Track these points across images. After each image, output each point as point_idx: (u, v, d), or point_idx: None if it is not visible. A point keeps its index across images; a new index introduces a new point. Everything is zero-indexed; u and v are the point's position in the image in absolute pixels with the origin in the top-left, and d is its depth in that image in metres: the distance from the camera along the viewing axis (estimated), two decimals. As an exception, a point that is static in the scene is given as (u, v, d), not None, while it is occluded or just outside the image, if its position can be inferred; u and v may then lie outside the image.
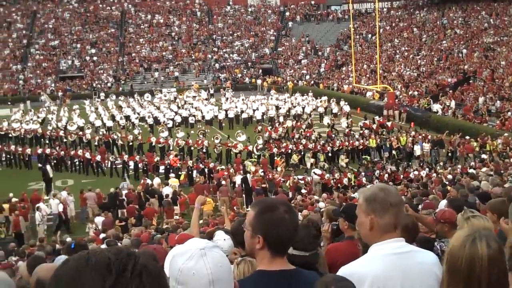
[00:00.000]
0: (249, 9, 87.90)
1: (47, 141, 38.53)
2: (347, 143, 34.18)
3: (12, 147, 35.77)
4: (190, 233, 7.13)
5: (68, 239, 17.16)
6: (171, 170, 30.32)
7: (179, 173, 30.35)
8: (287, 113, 46.09)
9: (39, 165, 31.80)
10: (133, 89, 67.29)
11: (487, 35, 53.73)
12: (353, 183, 27.76)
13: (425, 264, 3.13)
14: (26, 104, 57.74)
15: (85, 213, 25.42)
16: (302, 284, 2.90)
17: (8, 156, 35.53)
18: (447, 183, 19.83)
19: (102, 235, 18.11)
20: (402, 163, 31.68)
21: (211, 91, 61.45)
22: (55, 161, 33.29)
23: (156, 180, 28.20)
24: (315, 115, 45.96)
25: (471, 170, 23.36)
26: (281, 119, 43.34)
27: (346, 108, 45.82)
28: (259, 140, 35.14)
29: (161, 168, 31.37)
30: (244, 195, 26.42)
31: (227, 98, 52.90)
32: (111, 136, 37.80)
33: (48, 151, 34.21)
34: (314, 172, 29.17)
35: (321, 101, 49.30)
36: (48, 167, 30.04)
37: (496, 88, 41.19)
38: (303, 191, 25.48)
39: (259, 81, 69.51)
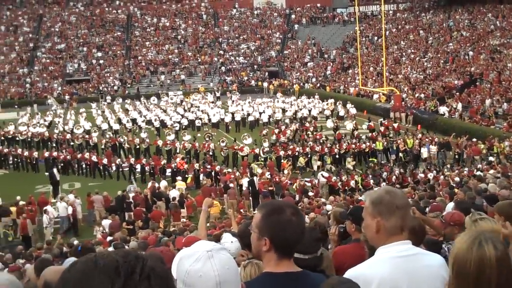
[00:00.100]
0: (255, 12, 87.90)
1: (54, 145, 38.58)
2: (353, 146, 34.13)
3: (19, 151, 35.86)
4: (198, 235, 7.14)
5: (76, 242, 17.17)
6: (177, 173, 30.34)
7: (186, 176, 30.36)
8: (294, 116, 46.06)
9: (46, 173, 31.88)
10: (140, 92, 67.40)
11: (494, 37, 53.55)
12: (360, 186, 27.72)
13: (432, 267, 3.13)
14: (33, 107, 57.90)
15: (92, 216, 25.48)
16: (309, 286, 2.90)
17: (15, 159, 35.63)
18: (454, 185, 19.78)
19: (109, 238, 18.13)
20: (409, 165, 31.61)
21: (217, 94, 61.47)
22: (62, 165, 33.41)
23: (163, 183, 28.23)
24: (321, 118, 45.91)
25: (478, 173, 23.28)
26: (288, 121, 43.36)
27: (353, 111, 45.77)
28: (265, 143, 35.17)
29: (168, 171, 31.39)
30: (251, 198, 26.41)
31: (233, 101, 52.91)
32: (118, 139, 37.85)
33: (55, 154, 34.30)
34: (321, 175, 29.12)
35: (327, 104, 49.26)
36: (55, 170, 30.12)
37: (503, 90, 41.04)
38: (310, 193, 25.44)
39: (265, 84, 69.51)
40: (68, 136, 40.00)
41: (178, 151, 35.14)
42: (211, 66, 75.88)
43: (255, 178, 27.23)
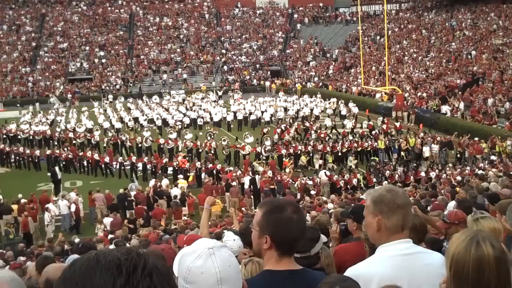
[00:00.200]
0: (258, 11, 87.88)
1: (55, 143, 38.59)
2: (355, 144, 34.13)
3: (21, 149, 35.89)
4: (200, 233, 7.15)
5: (77, 240, 17.20)
6: (179, 171, 30.36)
7: (188, 174, 30.39)
8: (296, 115, 46.07)
9: (50, 168, 31.93)
10: (142, 91, 67.43)
11: (496, 36, 53.46)
12: (362, 184, 27.74)
13: (433, 266, 3.13)
14: (35, 106, 57.93)
15: (93, 214, 25.50)
16: (309, 284, 2.90)
17: (17, 157, 35.67)
18: (456, 184, 19.77)
19: (110, 236, 18.15)
20: (411, 164, 31.60)
21: (219, 93, 61.48)
22: (63, 163, 33.45)
23: (165, 181, 28.25)
24: (323, 117, 45.91)
25: (479, 171, 23.26)
26: (290, 120, 43.36)
27: (355, 110, 45.78)
28: (267, 142, 35.19)
29: (170, 170, 31.40)
30: (252, 196, 26.44)
31: (235, 100, 52.92)
32: (120, 138, 37.86)
33: (57, 152, 34.33)
34: (325, 173, 29.14)
35: (329, 103, 49.25)
36: (56, 168, 30.17)
37: (505, 90, 40.99)
38: (312, 192, 25.45)
39: (267, 83, 69.51)
40: (71, 134, 40.01)
41: (180, 149, 35.17)
42: (213, 65, 75.90)
43: (257, 176, 27.28)
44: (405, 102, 46.33)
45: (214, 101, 54.19)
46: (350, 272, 3.15)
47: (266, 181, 27.05)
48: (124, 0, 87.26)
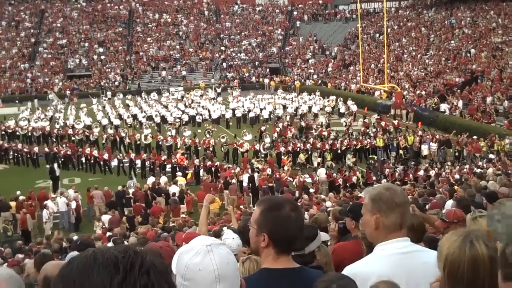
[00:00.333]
0: (257, 9, 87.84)
1: (54, 140, 38.56)
2: (354, 142, 34.15)
3: (20, 146, 35.86)
4: (198, 231, 7.15)
5: (75, 238, 17.21)
6: (177, 169, 30.36)
7: (186, 171, 30.38)
8: (294, 112, 46.08)
9: (47, 165, 31.92)
10: (141, 88, 67.36)
11: (496, 35, 53.47)
12: (361, 182, 27.75)
13: (430, 264, 3.12)
14: (33, 102, 57.89)
15: (91, 212, 25.49)
16: (307, 282, 2.89)
17: (15, 154, 35.63)
18: (454, 182, 19.79)
19: (108, 234, 18.16)
20: (409, 162, 31.61)
21: (218, 90, 61.48)
22: (62, 160, 33.42)
23: (163, 179, 28.25)
24: (322, 115, 45.95)
25: (478, 170, 23.28)
26: (287, 118, 43.42)
27: (354, 108, 45.81)
28: (267, 139, 35.21)
29: (168, 167, 31.39)
30: (250, 194, 26.45)
31: (233, 97, 52.93)
32: (119, 133, 37.84)
33: (55, 149, 34.30)
34: (326, 170, 29.23)
35: (328, 101, 49.26)
36: (55, 165, 30.14)
37: (504, 88, 41.01)
38: (311, 190, 25.45)
39: (266, 80, 69.49)
40: (70, 131, 39.99)
41: (178, 146, 35.18)
42: (212, 62, 75.87)
43: (256, 174, 27.27)
44: (403, 100, 46.34)
45: (213, 98, 54.20)
46: (348, 270, 3.15)
47: (264, 178, 27.05)
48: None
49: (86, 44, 77.07)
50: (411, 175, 27.67)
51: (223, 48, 78.92)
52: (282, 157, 32.55)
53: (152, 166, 31.51)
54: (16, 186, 27.36)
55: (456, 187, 15.42)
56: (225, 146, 34.02)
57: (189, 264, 2.22)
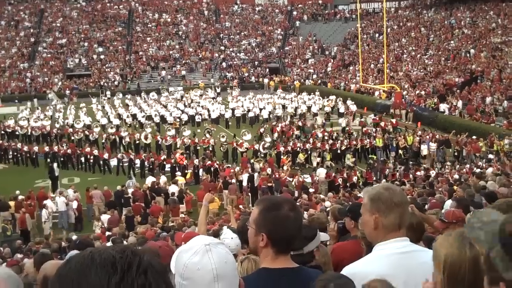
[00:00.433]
0: (257, 8, 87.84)
1: (54, 139, 38.53)
2: (354, 142, 34.17)
3: (19, 145, 35.85)
4: (197, 231, 7.14)
5: (74, 237, 17.21)
6: (177, 168, 30.35)
7: (186, 171, 30.37)
8: (294, 112, 46.10)
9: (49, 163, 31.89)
10: (140, 87, 67.35)
11: (495, 35, 53.52)
12: (360, 182, 27.75)
13: (429, 264, 3.10)
14: (33, 102, 57.90)
15: (91, 211, 25.48)
16: (305, 282, 2.89)
17: (15, 153, 35.61)
18: (453, 182, 19.79)
19: (108, 233, 18.16)
20: (409, 162, 31.62)
21: (218, 90, 61.48)
22: (61, 159, 33.39)
23: (163, 178, 28.24)
24: (320, 114, 46.04)
25: (477, 170, 23.29)
26: (288, 118, 43.46)
27: (353, 108, 45.83)
28: (267, 138, 35.26)
29: (167, 166, 31.39)
30: (249, 194, 26.44)
31: (233, 97, 52.94)
32: (119, 133, 37.83)
33: (55, 149, 34.28)
34: (327, 166, 29.24)
35: (328, 100, 49.27)
36: (55, 165, 30.11)
37: (503, 88, 41.05)
38: (310, 190, 25.44)
39: (265, 80, 69.48)
40: (70, 130, 39.99)
41: (178, 146, 35.18)
42: (212, 62, 75.86)
43: (256, 174, 27.24)
44: (403, 100, 46.35)
45: (213, 98, 54.19)
46: (347, 270, 3.15)
47: (264, 178, 27.05)
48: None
49: (86, 44, 77.04)
50: (411, 175, 27.66)
51: (222, 48, 78.91)
52: (282, 156, 32.55)
53: (151, 166, 31.49)
54: (15, 185, 27.33)
55: (455, 187, 15.42)
56: (224, 145, 34.01)
57: (188, 263, 2.22)
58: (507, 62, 45.85)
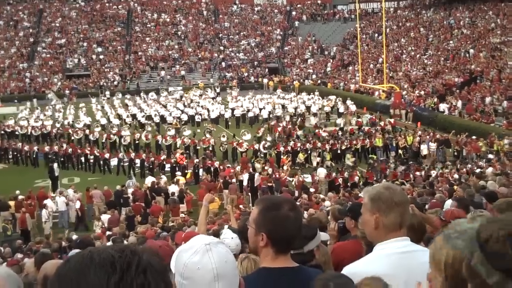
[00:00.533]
0: (256, 9, 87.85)
1: (55, 139, 38.52)
2: (355, 142, 34.18)
3: (19, 145, 35.86)
4: (197, 230, 7.14)
5: (74, 237, 17.21)
6: (177, 168, 30.35)
7: (186, 171, 30.38)
8: (294, 112, 46.10)
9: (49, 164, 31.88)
10: (139, 87, 67.36)
11: (494, 35, 53.55)
12: (361, 182, 27.75)
13: (430, 264, 3.12)
14: (32, 102, 57.94)
15: (91, 211, 25.48)
16: (305, 282, 2.89)
17: (14, 153, 35.62)
18: (453, 182, 19.79)
19: (108, 233, 18.16)
20: (409, 162, 31.60)
21: (217, 90, 61.47)
22: (61, 159, 33.37)
23: (164, 178, 28.26)
24: (320, 114, 46.10)
25: (477, 170, 23.30)
26: (287, 118, 43.47)
27: (353, 108, 45.84)
28: (268, 138, 35.30)
29: (167, 166, 31.38)
30: (250, 193, 26.44)
31: (232, 97, 52.96)
32: (120, 132, 37.82)
33: (55, 148, 34.26)
34: (327, 166, 29.25)
35: (327, 100, 49.28)
36: (55, 165, 30.09)
37: (503, 88, 41.07)
38: (311, 190, 25.44)
39: (265, 80, 69.48)
40: (70, 130, 40.01)
41: (178, 146, 35.19)
42: (211, 62, 75.85)
43: (256, 174, 27.23)
44: (403, 100, 46.37)
45: (212, 98, 54.20)
46: (347, 270, 3.15)
47: (264, 178, 27.06)
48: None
49: (85, 44, 77.02)
50: (411, 175, 27.64)
51: (222, 48, 78.91)
52: (282, 156, 32.55)
53: (151, 166, 31.47)
54: (15, 185, 27.34)
55: (455, 187, 15.42)
56: (224, 145, 34.00)
57: (188, 263, 2.22)
58: (506, 62, 45.87)
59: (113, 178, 30.60)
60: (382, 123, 39.28)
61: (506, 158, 28.67)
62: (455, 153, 32.64)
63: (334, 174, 28.40)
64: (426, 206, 10.11)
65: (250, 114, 45.51)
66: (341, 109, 46.08)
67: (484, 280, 1.64)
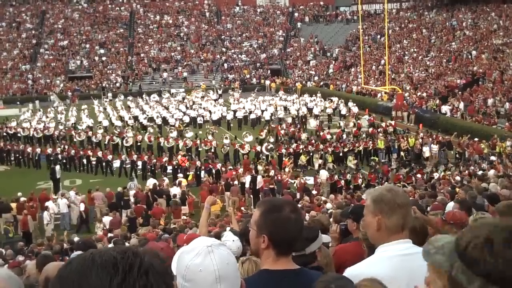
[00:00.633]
0: (258, 10, 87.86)
1: (57, 141, 38.54)
2: (357, 144, 34.17)
3: (21, 147, 35.88)
4: (198, 232, 7.14)
5: (76, 239, 17.22)
6: (179, 170, 30.36)
7: (187, 173, 30.38)
8: (296, 113, 46.08)
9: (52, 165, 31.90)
10: (142, 89, 67.37)
11: (497, 36, 53.50)
12: (363, 184, 27.74)
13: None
14: (34, 103, 57.95)
15: (93, 213, 25.49)
16: (306, 284, 2.89)
17: (16, 155, 35.64)
18: (455, 184, 19.77)
19: (109, 235, 18.17)
20: (411, 164, 31.59)
21: (219, 92, 61.45)
22: (64, 161, 33.37)
23: (167, 181, 28.26)
24: (323, 116, 46.09)
25: (479, 172, 23.28)
26: (289, 120, 43.47)
27: (355, 109, 45.81)
28: (271, 139, 35.30)
29: (169, 168, 31.37)
30: (251, 196, 26.43)
31: (235, 99, 52.97)
32: (123, 134, 37.83)
33: (58, 150, 34.28)
34: (328, 168, 29.24)
35: (330, 102, 49.26)
36: (57, 167, 30.08)
37: (505, 90, 41.02)
38: (314, 192, 25.43)
39: (267, 82, 69.45)
40: (73, 132, 40.04)
41: (180, 148, 35.19)
42: (213, 64, 75.85)
43: (259, 176, 27.21)
44: (405, 101, 46.33)
45: (214, 100, 54.17)
46: (349, 272, 3.15)
47: (266, 180, 27.06)
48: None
49: (87, 46, 77.07)
50: (413, 178, 27.61)
51: (224, 49, 78.92)
52: (284, 158, 32.53)
53: (153, 168, 31.47)
54: (17, 187, 27.36)
55: (457, 189, 15.40)
56: (226, 147, 33.98)
57: (190, 265, 2.22)
58: (508, 64, 45.82)
59: (115, 180, 30.58)
60: (383, 124, 39.25)
61: (508, 160, 28.63)
62: (457, 155, 32.60)
63: (336, 177, 28.38)
64: (428, 208, 10.10)
65: (252, 116, 45.50)
66: (343, 111, 46.05)
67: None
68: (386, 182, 26.21)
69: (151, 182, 27.39)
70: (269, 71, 74.16)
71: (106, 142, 37.19)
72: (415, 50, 61.10)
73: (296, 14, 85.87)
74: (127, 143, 36.59)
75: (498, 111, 38.28)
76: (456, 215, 6.18)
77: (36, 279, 6.08)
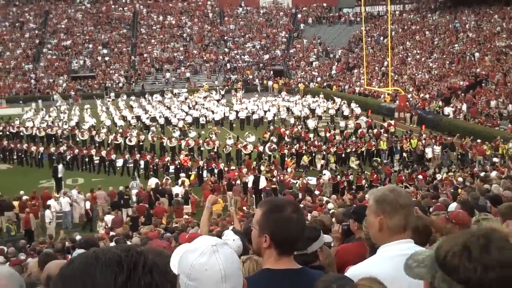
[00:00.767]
0: (261, 11, 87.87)
1: (60, 140, 38.56)
2: (359, 144, 34.16)
3: (25, 146, 35.93)
4: (200, 232, 7.15)
5: (78, 237, 17.23)
6: (181, 170, 30.37)
7: (190, 173, 30.39)
8: (299, 114, 46.06)
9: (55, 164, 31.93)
10: (144, 89, 67.41)
11: (500, 38, 53.43)
12: (366, 184, 27.74)
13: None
14: (37, 103, 58.04)
15: (95, 212, 25.51)
16: (308, 283, 2.90)
17: (19, 154, 35.69)
18: (458, 185, 19.75)
19: (111, 233, 18.18)
20: (414, 166, 31.56)
21: (222, 92, 61.44)
22: (67, 160, 33.39)
23: (169, 180, 28.28)
24: (325, 117, 46.08)
25: (482, 173, 23.26)
26: (292, 120, 43.46)
27: (357, 110, 45.79)
28: (274, 139, 35.30)
29: (171, 168, 31.39)
30: (254, 195, 26.43)
31: (237, 99, 52.99)
32: (126, 133, 37.86)
33: (61, 149, 34.30)
34: (331, 169, 29.24)
35: (332, 103, 49.24)
36: (60, 166, 30.09)
37: (508, 92, 40.98)
38: (316, 192, 25.41)
39: (270, 83, 69.44)
40: (76, 131, 40.08)
41: (182, 148, 35.20)
42: (216, 64, 75.87)
43: (262, 177, 27.17)
44: (407, 103, 46.32)
45: (217, 100, 54.20)
46: (351, 272, 3.15)
47: (268, 181, 27.05)
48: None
49: (90, 46, 77.18)
50: (415, 179, 27.60)
51: (227, 50, 78.95)
52: (286, 159, 32.53)
53: (155, 167, 31.49)
54: (19, 186, 27.42)
55: (459, 190, 15.39)
56: (228, 147, 33.97)
57: (195, 264, 2.22)
58: (511, 66, 45.77)
59: (117, 179, 30.64)
60: (385, 124, 39.26)
61: (511, 161, 28.60)
62: (459, 156, 32.58)
63: (339, 177, 28.38)
64: (430, 209, 10.08)
65: (255, 117, 45.50)
66: (346, 112, 46.02)
67: None
68: (388, 183, 26.19)
69: (153, 181, 27.42)
70: (271, 72, 74.15)
71: (109, 142, 37.22)
72: (418, 51, 61.03)
73: (299, 15, 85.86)
74: (130, 143, 36.60)
75: (501, 113, 38.25)
76: (459, 216, 6.18)
77: (38, 277, 6.09)
